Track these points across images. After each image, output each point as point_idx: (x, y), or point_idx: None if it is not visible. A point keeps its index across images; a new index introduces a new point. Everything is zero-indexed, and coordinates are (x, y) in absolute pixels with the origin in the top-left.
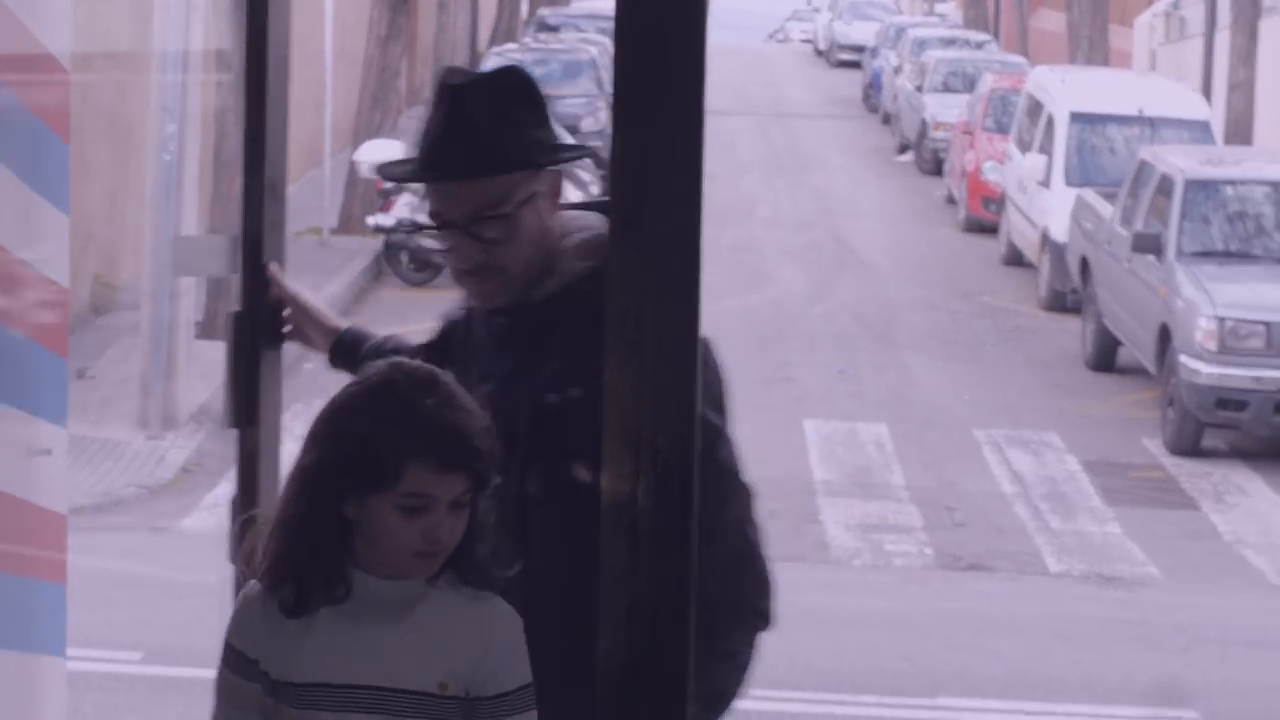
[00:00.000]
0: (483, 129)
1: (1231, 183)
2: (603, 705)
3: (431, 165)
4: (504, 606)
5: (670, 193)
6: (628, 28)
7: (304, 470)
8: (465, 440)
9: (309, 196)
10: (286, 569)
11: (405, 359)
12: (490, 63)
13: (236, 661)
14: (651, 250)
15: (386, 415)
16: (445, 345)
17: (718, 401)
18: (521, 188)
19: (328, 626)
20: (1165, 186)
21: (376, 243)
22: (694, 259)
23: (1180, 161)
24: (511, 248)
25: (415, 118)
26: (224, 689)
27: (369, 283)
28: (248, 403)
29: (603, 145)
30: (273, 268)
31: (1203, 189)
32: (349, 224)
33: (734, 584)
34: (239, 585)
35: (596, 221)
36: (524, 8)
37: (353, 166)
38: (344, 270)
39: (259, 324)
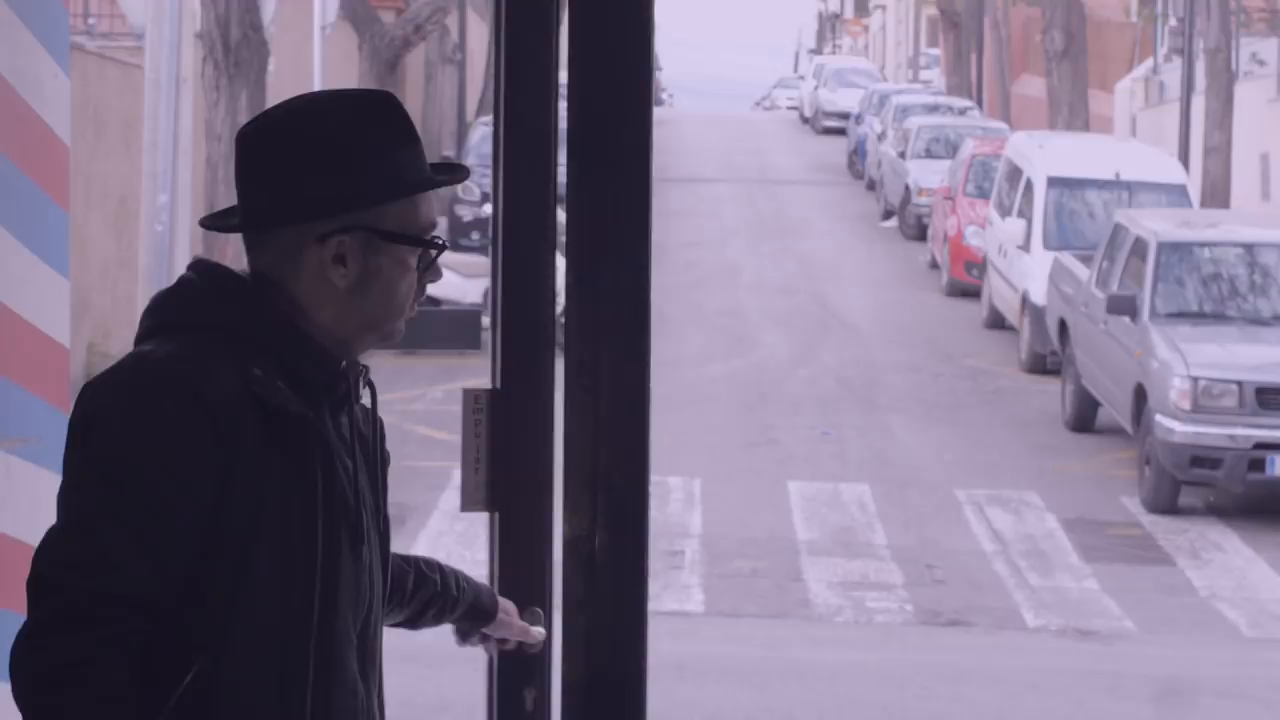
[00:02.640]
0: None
1: (1204, 245)
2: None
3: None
4: None
5: (621, 250)
6: (580, 94)
7: None
8: None
9: None
10: None
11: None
12: (478, 133)
13: None
14: (605, 304)
15: None
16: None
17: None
18: None
19: None
20: (1140, 249)
21: None
22: (644, 311)
23: (1154, 224)
24: None
25: None
26: None
27: None
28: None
29: None
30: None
31: (1176, 251)
32: None
33: None
34: None
35: None
36: None
37: None
38: None
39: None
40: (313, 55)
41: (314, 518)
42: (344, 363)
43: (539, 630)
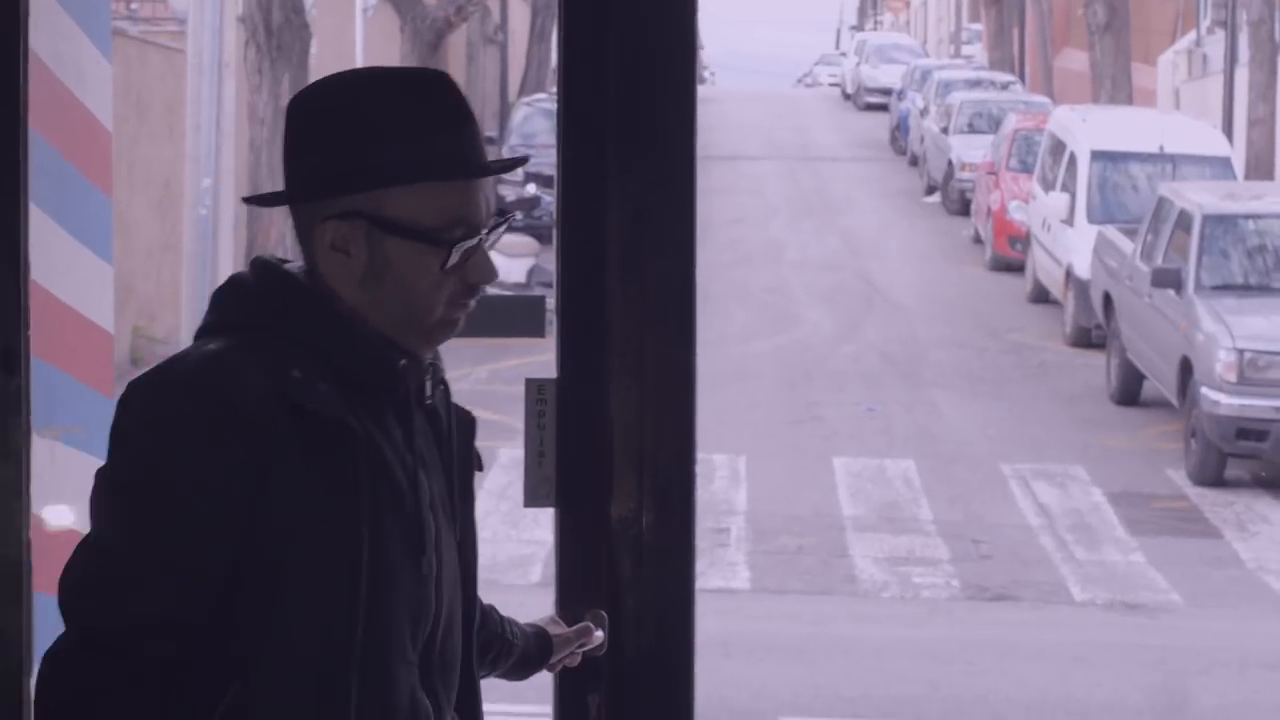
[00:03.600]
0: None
1: (1249, 217)
2: (614, 699)
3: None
4: None
5: (665, 233)
6: (622, 74)
7: None
8: None
9: None
10: None
11: None
12: (520, 113)
13: None
14: (650, 285)
15: None
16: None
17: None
18: None
19: None
20: (1184, 222)
21: None
22: (689, 292)
23: (1198, 197)
24: None
25: None
26: None
27: None
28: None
29: None
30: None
31: (1221, 224)
32: None
33: None
34: None
35: None
36: (553, 57)
37: None
38: None
39: None
40: (355, 37)
41: (357, 531)
42: (402, 362)
43: (599, 635)
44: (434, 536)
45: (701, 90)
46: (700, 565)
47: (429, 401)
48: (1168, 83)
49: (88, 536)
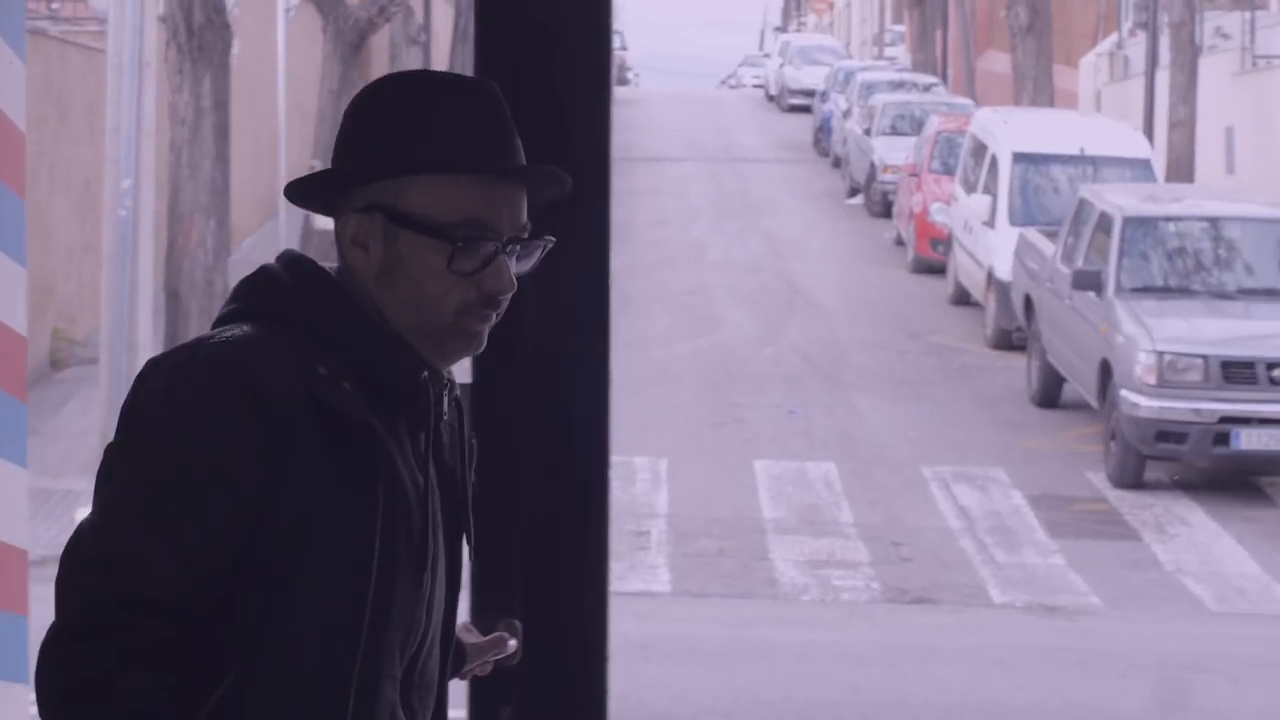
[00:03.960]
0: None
1: (1170, 219)
2: (526, 709)
3: (509, 156)
4: None
5: (580, 235)
6: (535, 73)
7: None
8: None
9: (265, 249)
10: None
11: None
12: None
13: None
14: (564, 290)
15: None
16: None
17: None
18: None
19: None
20: (1105, 224)
21: None
22: (604, 293)
23: (1119, 199)
24: None
25: None
26: None
27: None
28: None
29: None
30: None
31: (1141, 226)
32: None
33: None
34: None
35: None
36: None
37: (307, 219)
38: None
39: None
40: (277, 38)
41: (370, 537)
42: (425, 373)
43: (513, 644)
44: (433, 556)
45: (625, 92)
46: (621, 568)
47: (444, 419)
48: (1089, 85)
49: (94, 514)
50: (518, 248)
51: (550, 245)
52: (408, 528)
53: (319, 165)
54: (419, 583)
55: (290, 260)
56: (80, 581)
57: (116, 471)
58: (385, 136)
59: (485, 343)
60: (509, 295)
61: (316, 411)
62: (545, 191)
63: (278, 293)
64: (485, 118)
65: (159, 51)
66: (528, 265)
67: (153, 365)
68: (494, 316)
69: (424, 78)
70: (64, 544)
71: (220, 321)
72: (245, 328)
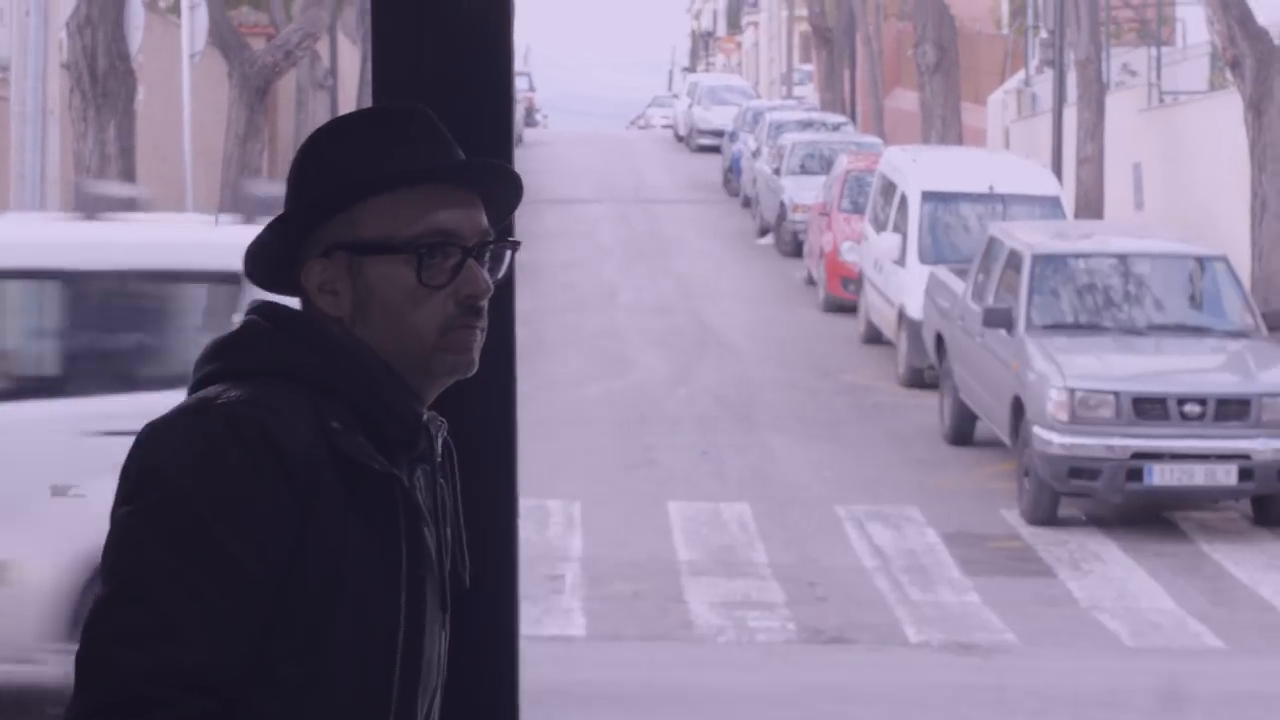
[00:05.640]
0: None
1: (1079, 256)
2: None
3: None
4: None
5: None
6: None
7: None
8: None
9: None
10: None
11: None
12: None
13: None
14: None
15: None
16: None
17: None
18: None
19: None
20: (1014, 262)
21: None
22: (509, 339)
23: (1028, 237)
24: None
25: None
26: None
27: None
28: None
29: None
30: None
31: (1050, 263)
32: None
33: None
34: None
35: None
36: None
37: None
38: None
39: None
40: (182, 83)
41: (397, 592)
42: (425, 415)
43: None
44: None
45: (534, 134)
46: (535, 612)
47: (438, 459)
48: (997, 122)
49: (114, 584)
50: (486, 253)
51: (518, 247)
52: (431, 576)
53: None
54: (443, 625)
55: (271, 312)
56: (107, 656)
57: (135, 539)
58: (330, 170)
59: (476, 363)
60: (487, 298)
61: (337, 467)
62: (501, 195)
63: (271, 347)
64: (424, 131)
65: (63, 98)
66: (500, 270)
67: (159, 428)
68: (479, 332)
69: (355, 113)
70: None
71: (204, 382)
72: (241, 387)
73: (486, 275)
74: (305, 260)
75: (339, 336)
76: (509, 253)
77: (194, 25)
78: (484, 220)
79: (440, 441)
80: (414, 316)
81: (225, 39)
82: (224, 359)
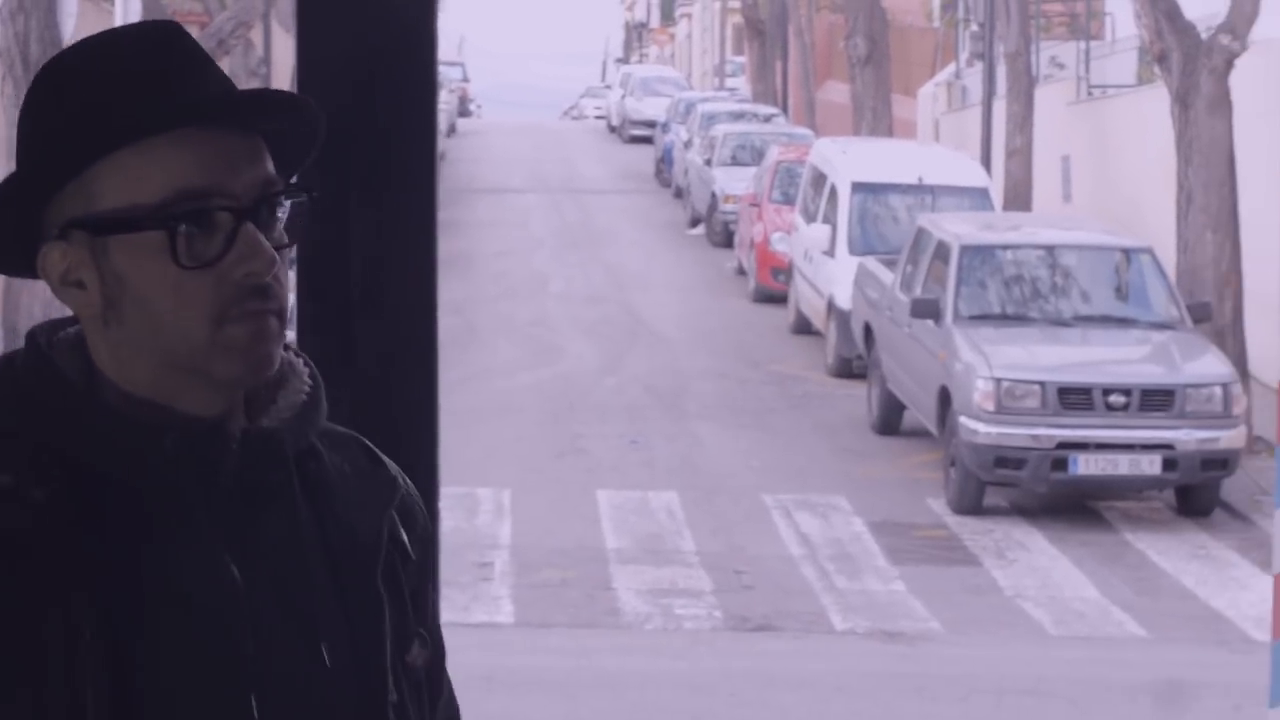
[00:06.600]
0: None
1: (1006, 248)
2: None
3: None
4: None
5: (406, 268)
6: (356, 101)
7: None
8: None
9: None
10: None
11: None
12: None
13: None
14: (391, 323)
15: None
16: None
17: None
18: None
19: None
20: (942, 253)
21: None
22: (431, 324)
23: (956, 228)
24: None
25: None
26: None
27: None
28: None
29: None
30: None
31: (978, 254)
32: None
33: None
34: None
35: None
36: None
37: None
38: None
39: None
40: None
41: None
42: (168, 440)
43: None
44: (257, 668)
45: (467, 124)
46: (464, 599)
47: (272, 477)
48: (928, 114)
49: None
50: (271, 213)
51: (311, 197)
52: (187, 645)
53: None
54: (236, 710)
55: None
56: None
57: None
58: (50, 126)
59: (275, 360)
60: (272, 274)
61: None
62: (288, 135)
63: None
64: (163, 56)
65: None
66: (296, 232)
67: None
68: (271, 318)
69: (80, 44)
70: None
71: None
72: None
73: (271, 247)
74: (42, 243)
75: (58, 358)
76: (302, 205)
77: (127, 11)
78: (267, 169)
79: (264, 458)
80: (177, 311)
81: None
82: None
